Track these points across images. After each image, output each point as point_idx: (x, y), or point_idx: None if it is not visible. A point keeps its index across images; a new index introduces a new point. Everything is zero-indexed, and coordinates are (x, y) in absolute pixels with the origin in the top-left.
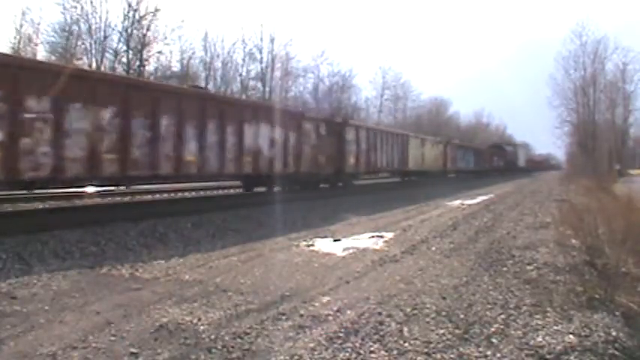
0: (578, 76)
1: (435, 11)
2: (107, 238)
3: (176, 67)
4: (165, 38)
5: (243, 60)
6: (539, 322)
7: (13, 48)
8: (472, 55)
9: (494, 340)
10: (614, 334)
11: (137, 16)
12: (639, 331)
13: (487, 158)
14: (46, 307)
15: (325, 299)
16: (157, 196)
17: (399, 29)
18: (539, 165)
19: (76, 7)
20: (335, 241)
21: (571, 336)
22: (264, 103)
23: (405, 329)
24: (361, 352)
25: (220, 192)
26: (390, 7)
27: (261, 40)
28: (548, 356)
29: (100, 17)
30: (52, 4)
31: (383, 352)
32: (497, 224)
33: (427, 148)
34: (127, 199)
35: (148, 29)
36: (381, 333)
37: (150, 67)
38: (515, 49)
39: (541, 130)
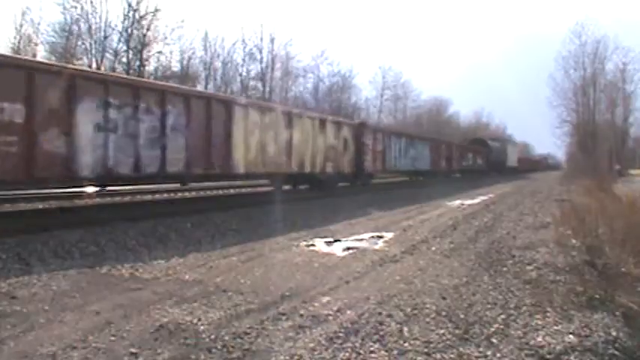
0: (578, 76)
1: (434, 10)
2: (107, 238)
3: (176, 67)
4: (166, 38)
5: (243, 60)
6: (539, 322)
7: (13, 48)
8: (471, 52)
9: (494, 340)
10: (614, 334)
11: (137, 16)
12: (639, 331)
13: (456, 155)
14: (46, 307)
15: (325, 299)
16: (157, 196)
17: (399, 29)
18: (537, 165)
19: (76, 7)
20: (335, 241)
21: (571, 336)
22: None
23: (405, 329)
24: (361, 352)
25: (220, 192)
26: (389, 7)
27: (261, 40)
28: (548, 356)
29: (100, 17)
30: (52, 4)
31: (383, 352)
32: (497, 224)
33: (302, 131)
34: (127, 199)
35: (148, 29)
36: (381, 333)
37: (150, 67)
38: (512, 44)
39: (541, 130)
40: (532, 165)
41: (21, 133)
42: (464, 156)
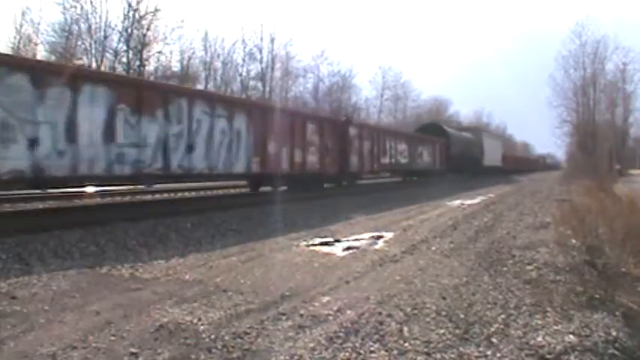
0: (578, 76)
1: (434, 10)
2: (107, 238)
3: (176, 67)
4: (165, 38)
5: (243, 60)
6: (539, 322)
7: (13, 48)
8: (470, 51)
9: (494, 340)
10: (614, 334)
11: (137, 16)
12: (639, 331)
13: (363, 146)
14: (46, 307)
15: (325, 299)
16: (157, 196)
17: (399, 29)
18: (532, 164)
19: (76, 7)
20: (335, 241)
21: (571, 336)
22: None
23: (405, 329)
24: (361, 352)
25: (221, 192)
26: (389, 7)
27: (261, 40)
28: (548, 356)
29: (100, 17)
30: (52, 4)
31: (383, 352)
32: (497, 224)
33: None
34: (127, 199)
35: (148, 29)
36: (381, 333)
37: (150, 67)
38: (511, 42)
39: (541, 130)
40: (523, 164)
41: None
42: (385, 149)
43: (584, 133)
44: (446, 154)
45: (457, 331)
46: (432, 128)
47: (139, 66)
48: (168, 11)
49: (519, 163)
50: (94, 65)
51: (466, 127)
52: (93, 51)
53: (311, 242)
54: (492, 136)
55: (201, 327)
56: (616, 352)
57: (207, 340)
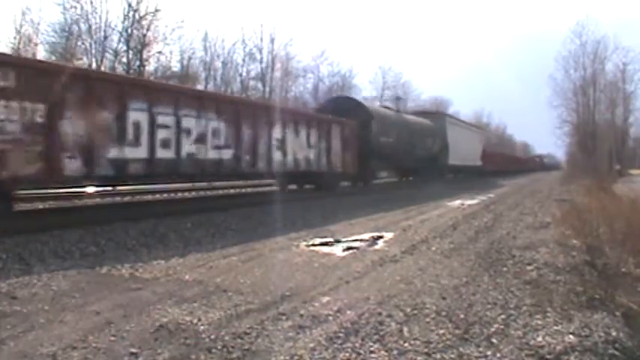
0: (578, 76)
1: (434, 10)
2: (107, 238)
3: (176, 67)
4: (166, 38)
5: (243, 60)
6: (539, 322)
7: (13, 48)
8: (470, 51)
9: (494, 340)
10: (614, 334)
11: (137, 16)
12: (639, 331)
13: (34, 122)
14: (46, 307)
15: (325, 299)
16: (157, 196)
17: (399, 29)
18: (527, 165)
19: (76, 7)
20: (335, 241)
21: (571, 336)
22: None
23: (405, 329)
24: (361, 352)
25: (220, 192)
26: (389, 7)
27: (261, 40)
28: (548, 356)
29: (100, 17)
30: (52, 4)
31: (383, 352)
32: (497, 224)
33: None
34: (126, 199)
35: (148, 29)
36: (381, 333)
37: (150, 67)
38: (511, 43)
39: (541, 130)
40: (515, 164)
41: None
42: (140, 128)
43: (584, 133)
44: (364, 146)
45: (457, 331)
46: (344, 105)
47: (139, 66)
48: (168, 11)
49: (508, 163)
50: (94, 65)
51: (422, 111)
52: (93, 51)
53: (311, 242)
54: (464, 124)
55: (201, 327)
56: (616, 352)
57: (207, 340)
